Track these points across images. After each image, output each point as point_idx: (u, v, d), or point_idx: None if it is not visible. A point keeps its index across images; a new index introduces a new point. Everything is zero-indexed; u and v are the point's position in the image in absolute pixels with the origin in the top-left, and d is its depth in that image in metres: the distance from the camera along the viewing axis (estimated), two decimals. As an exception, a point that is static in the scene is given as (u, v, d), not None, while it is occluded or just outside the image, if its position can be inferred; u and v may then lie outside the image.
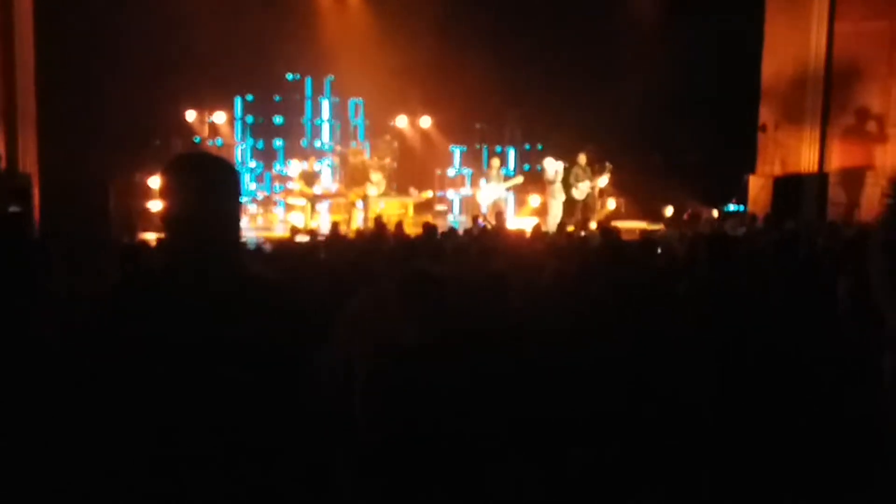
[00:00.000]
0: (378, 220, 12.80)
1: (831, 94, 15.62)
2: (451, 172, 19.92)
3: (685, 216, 14.31)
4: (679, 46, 17.31)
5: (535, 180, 18.48)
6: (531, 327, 4.98)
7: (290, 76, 20.27)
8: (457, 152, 20.40)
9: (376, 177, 16.88)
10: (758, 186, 16.12)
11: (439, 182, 19.36)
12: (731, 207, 16.80)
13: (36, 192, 13.03)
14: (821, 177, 15.57)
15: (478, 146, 21.09)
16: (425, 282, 4.29)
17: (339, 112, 20.66)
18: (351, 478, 3.61)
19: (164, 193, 2.47)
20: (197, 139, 18.78)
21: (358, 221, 16.05)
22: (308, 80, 20.35)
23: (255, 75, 19.11)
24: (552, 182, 16.74)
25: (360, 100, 20.49)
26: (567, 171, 16.99)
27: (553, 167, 16.76)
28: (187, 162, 2.57)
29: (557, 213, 16.55)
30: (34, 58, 13.56)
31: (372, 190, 16.65)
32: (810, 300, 5.90)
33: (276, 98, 20.33)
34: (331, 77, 20.22)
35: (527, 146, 21.62)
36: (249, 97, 19.98)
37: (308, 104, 20.49)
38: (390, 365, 3.96)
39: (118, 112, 15.56)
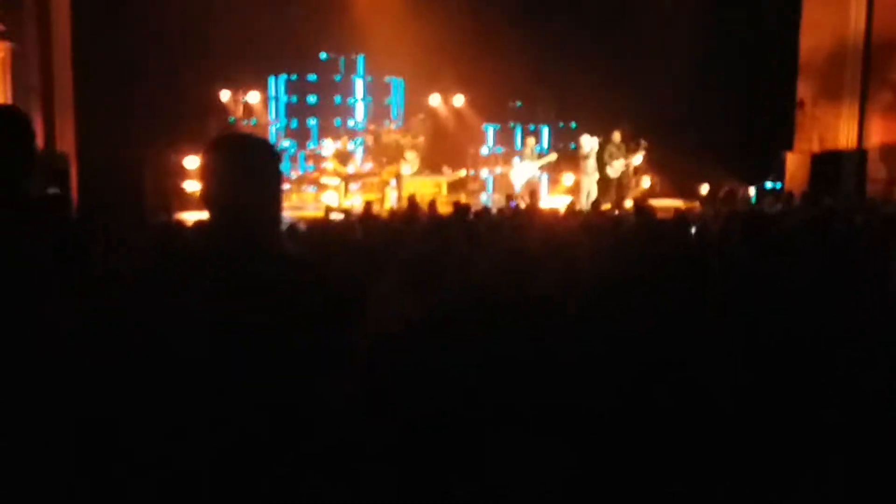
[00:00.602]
0: (411, 199, 12.79)
1: (870, 69, 15.37)
2: (484, 151, 19.85)
3: (721, 194, 14.19)
4: (714, 22, 17.14)
5: (569, 158, 18.40)
6: (562, 307, 4.96)
7: (323, 55, 20.28)
8: (490, 131, 20.35)
9: (410, 155, 16.87)
10: (795, 163, 15.93)
11: (472, 161, 19.30)
12: (769, 185, 16.64)
13: (74, 171, 13.16)
14: (860, 153, 15.36)
15: (511, 125, 21.02)
16: (422, 264, 4.30)
17: (372, 91, 20.67)
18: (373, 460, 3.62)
19: (205, 174, 2.51)
20: (231, 119, 18.85)
21: (391, 200, 16.05)
22: (342, 60, 20.35)
23: (288, 55, 19.14)
24: (587, 158, 16.66)
25: (394, 78, 20.49)
26: (601, 148, 16.91)
27: (589, 144, 16.68)
28: (230, 143, 2.61)
29: (592, 191, 16.47)
30: (70, 38, 13.66)
31: (405, 169, 16.63)
32: (847, 278, 5.81)
33: (310, 77, 20.35)
34: (362, 56, 20.22)
35: (560, 124, 21.50)
36: (283, 77, 20.03)
37: (340, 81, 20.50)
38: (393, 344, 3.97)
39: (153, 92, 15.68)
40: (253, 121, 19.11)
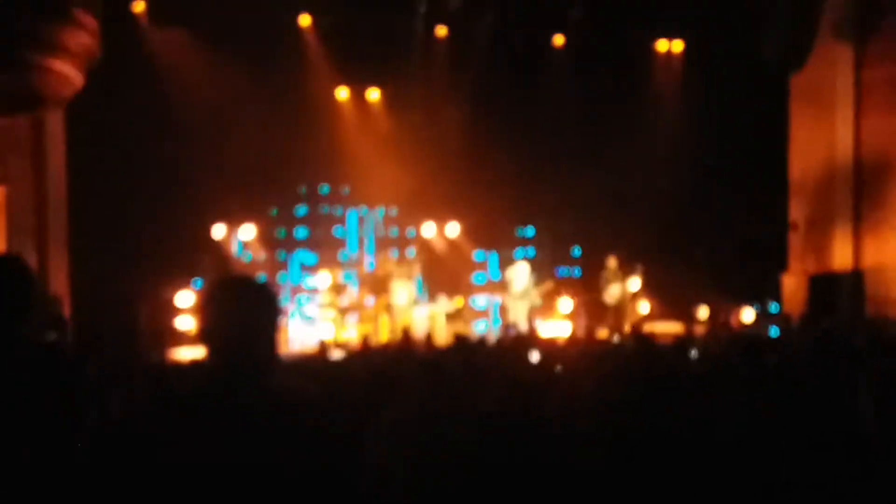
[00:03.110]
0: (406, 332, 12.72)
1: (862, 190, 15.50)
2: (480, 278, 19.88)
3: (721, 317, 14.16)
4: (707, 143, 17.48)
5: (565, 284, 18.43)
6: (568, 436, 4.89)
7: (304, 189, 20.51)
8: (487, 258, 20.41)
9: (403, 286, 16.86)
10: (792, 285, 15.92)
11: (467, 289, 19.28)
12: (765, 307, 16.62)
13: (67, 311, 13.09)
14: (855, 274, 15.35)
15: (508, 251, 21.13)
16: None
17: (362, 222, 20.82)
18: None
19: (203, 314, 2.55)
20: (249, 257, 18.94)
21: (386, 332, 15.97)
22: (325, 188, 20.60)
23: (277, 188, 19.35)
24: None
25: (384, 209, 20.67)
26: (598, 274, 17.02)
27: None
28: (228, 285, 2.66)
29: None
30: (65, 178, 13.78)
31: (399, 299, 16.61)
32: (849, 402, 5.70)
33: (299, 211, 20.54)
34: (347, 189, 20.47)
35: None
36: (274, 211, 20.17)
37: (328, 213, 20.70)
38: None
39: (146, 228, 15.77)
40: (248, 256, 19.14)
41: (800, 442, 4.64)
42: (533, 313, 16.71)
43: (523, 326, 15.26)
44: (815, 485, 4.43)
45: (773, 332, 12.91)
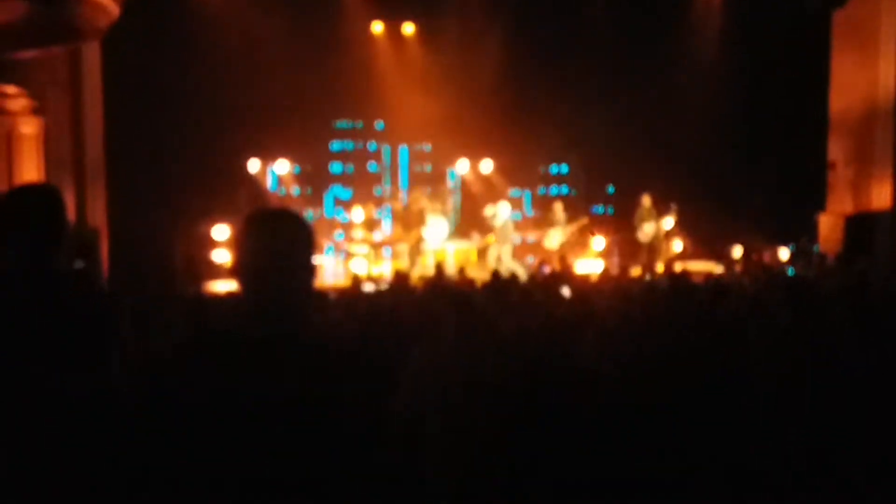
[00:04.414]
0: (439, 267, 12.75)
1: (903, 129, 15.26)
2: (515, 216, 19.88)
3: (754, 256, 14.06)
4: (745, 82, 17.21)
5: (600, 222, 18.37)
6: (598, 376, 4.89)
7: (343, 124, 20.47)
8: (522, 195, 20.36)
9: (438, 222, 16.86)
10: (829, 225, 15.79)
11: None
12: (801, 246, 16.48)
13: (105, 245, 13.24)
14: (893, 214, 15.17)
15: (542, 189, 21.06)
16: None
17: (396, 157, 20.81)
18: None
19: (237, 248, 2.51)
20: (283, 191, 19.03)
21: (419, 267, 16.01)
22: (359, 124, 20.57)
23: (312, 123, 19.32)
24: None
25: (424, 146, 20.63)
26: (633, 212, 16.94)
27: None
28: (263, 218, 2.60)
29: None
30: (101, 111, 13.84)
31: (433, 235, 16.63)
32: (884, 344, 5.67)
33: (333, 146, 20.54)
34: (381, 123, 20.41)
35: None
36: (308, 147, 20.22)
37: (363, 149, 20.68)
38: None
39: (181, 163, 15.86)
40: (282, 191, 19.22)
41: (837, 386, 4.62)
42: (563, 250, 16.66)
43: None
44: (850, 431, 4.41)
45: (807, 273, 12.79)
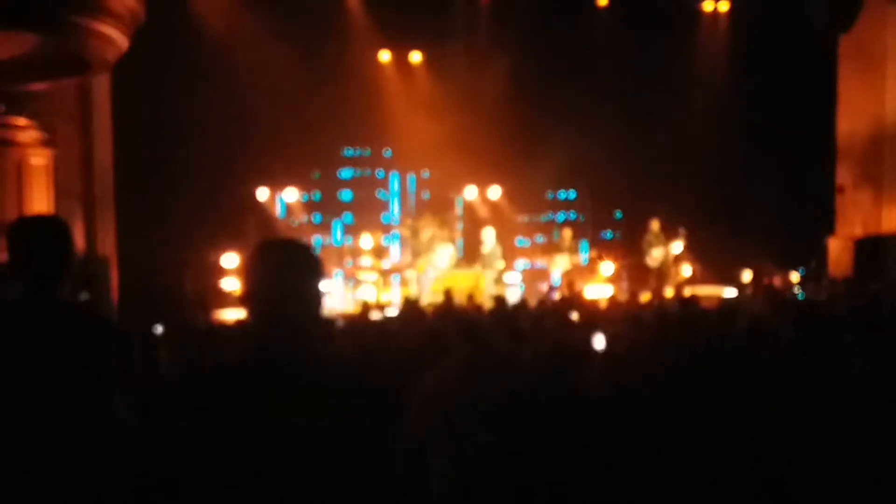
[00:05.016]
0: (447, 294, 12.73)
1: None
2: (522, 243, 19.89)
3: (765, 281, 14.02)
4: (752, 107, 17.24)
5: (608, 247, 18.35)
6: (608, 401, 4.87)
7: (351, 151, 20.56)
8: (528, 221, 20.38)
9: (445, 249, 16.86)
10: (838, 249, 15.75)
11: (510, 253, 19.24)
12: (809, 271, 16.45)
13: (114, 274, 13.27)
14: (903, 237, 15.15)
15: (551, 215, 21.08)
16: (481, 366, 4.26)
17: (404, 184, 20.87)
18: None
19: (247, 277, 2.55)
20: (295, 222, 19.08)
21: (427, 294, 15.99)
22: (367, 151, 20.67)
23: (320, 151, 19.42)
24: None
25: (431, 173, 20.68)
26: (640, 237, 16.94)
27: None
28: (272, 248, 2.64)
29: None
30: (111, 141, 13.92)
31: (441, 262, 16.62)
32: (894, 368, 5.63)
33: (342, 174, 20.61)
34: (388, 150, 20.48)
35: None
36: (316, 174, 20.28)
37: (371, 176, 20.76)
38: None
39: (191, 191, 15.92)
40: (294, 221, 19.28)
41: (850, 410, 4.58)
42: (570, 276, 16.66)
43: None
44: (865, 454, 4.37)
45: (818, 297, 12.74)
